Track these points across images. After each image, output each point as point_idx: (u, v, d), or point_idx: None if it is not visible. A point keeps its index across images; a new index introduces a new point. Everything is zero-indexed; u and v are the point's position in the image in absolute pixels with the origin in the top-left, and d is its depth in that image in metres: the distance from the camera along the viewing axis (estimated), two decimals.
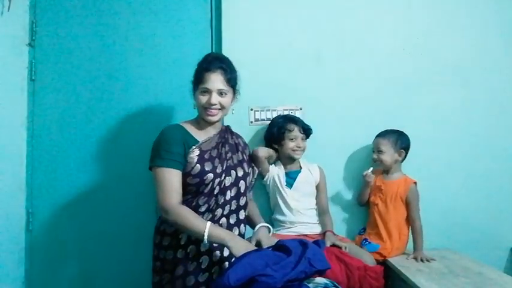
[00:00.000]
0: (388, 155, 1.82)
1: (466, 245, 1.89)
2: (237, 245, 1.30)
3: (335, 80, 1.95)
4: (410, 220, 1.81)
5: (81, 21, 1.94)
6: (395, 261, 1.70)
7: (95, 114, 1.92)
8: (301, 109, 1.93)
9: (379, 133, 1.86)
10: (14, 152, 1.86)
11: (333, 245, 1.65)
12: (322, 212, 1.86)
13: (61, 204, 1.91)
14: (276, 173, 1.81)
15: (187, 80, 1.85)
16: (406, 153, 1.85)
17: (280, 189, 1.79)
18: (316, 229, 1.79)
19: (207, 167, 1.42)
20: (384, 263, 1.73)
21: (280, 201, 1.79)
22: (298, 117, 1.86)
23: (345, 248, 1.64)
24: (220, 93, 1.45)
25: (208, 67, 1.45)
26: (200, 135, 1.49)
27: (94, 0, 1.94)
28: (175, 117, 1.89)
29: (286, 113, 1.92)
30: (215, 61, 1.47)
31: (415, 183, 1.82)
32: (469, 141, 1.96)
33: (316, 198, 1.86)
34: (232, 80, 1.49)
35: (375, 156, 1.84)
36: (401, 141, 1.83)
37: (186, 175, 1.40)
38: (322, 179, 1.87)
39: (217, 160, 1.46)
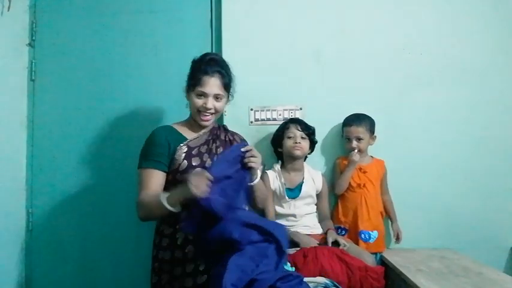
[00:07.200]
0: (366, 141, 1.82)
1: (466, 245, 1.89)
2: (193, 185, 1.15)
3: (335, 80, 1.95)
4: (383, 193, 1.88)
5: (81, 21, 1.94)
6: (396, 261, 1.70)
7: (94, 114, 1.92)
8: (301, 109, 1.94)
9: (351, 120, 1.83)
10: (13, 152, 1.86)
11: (335, 242, 1.65)
12: (323, 218, 1.86)
13: (61, 204, 1.90)
14: (277, 185, 1.79)
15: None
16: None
17: (281, 201, 1.79)
18: (318, 230, 1.79)
19: (195, 162, 1.42)
20: (383, 263, 1.73)
21: (279, 209, 1.79)
22: (301, 119, 1.85)
23: (344, 245, 1.63)
24: (216, 97, 1.46)
25: (206, 70, 1.44)
26: (191, 135, 1.51)
27: (94, 0, 1.94)
28: (175, 118, 1.86)
29: (286, 113, 1.93)
30: (214, 65, 1.46)
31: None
32: (469, 141, 1.95)
33: (317, 205, 1.86)
34: (228, 85, 1.50)
35: (353, 145, 1.80)
36: (373, 126, 1.84)
37: (174, 172, 1.41)
38: (325, 187, 1.87)
39: (206, 155, 1.46)
